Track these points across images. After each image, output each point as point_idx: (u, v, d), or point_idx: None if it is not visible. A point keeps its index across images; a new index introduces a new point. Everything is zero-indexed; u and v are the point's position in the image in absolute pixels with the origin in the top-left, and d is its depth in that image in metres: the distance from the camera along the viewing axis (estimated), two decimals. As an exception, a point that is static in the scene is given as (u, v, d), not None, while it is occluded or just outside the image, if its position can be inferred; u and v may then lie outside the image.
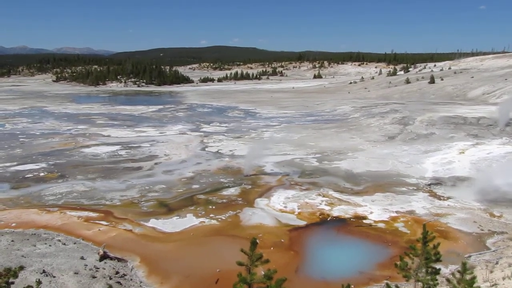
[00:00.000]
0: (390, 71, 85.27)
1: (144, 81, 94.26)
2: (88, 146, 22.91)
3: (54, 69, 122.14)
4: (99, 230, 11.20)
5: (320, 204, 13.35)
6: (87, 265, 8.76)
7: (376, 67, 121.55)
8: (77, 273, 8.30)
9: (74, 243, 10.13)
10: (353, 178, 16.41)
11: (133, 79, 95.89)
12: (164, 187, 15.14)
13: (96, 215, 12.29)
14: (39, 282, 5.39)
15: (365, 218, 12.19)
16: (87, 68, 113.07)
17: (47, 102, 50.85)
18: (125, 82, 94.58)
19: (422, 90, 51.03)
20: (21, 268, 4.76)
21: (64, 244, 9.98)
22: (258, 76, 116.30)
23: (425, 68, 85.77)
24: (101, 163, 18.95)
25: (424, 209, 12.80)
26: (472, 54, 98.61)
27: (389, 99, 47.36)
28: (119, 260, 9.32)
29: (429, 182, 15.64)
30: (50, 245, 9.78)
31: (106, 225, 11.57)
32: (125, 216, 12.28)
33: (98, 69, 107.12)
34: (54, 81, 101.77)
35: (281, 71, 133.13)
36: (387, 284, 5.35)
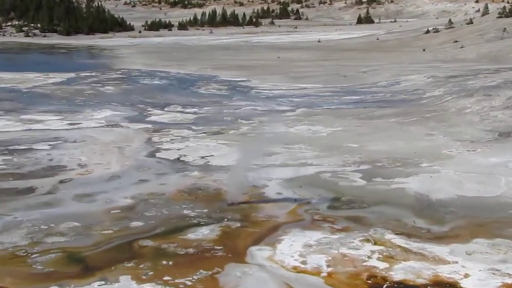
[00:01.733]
0: (504, 8, 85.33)
1: (39, 26, 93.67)
2: None
3: None
4: None
5: (369, 258, 13.38)
6: None
7: (476, 2, 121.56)
8: None
9: None
10: (431, 210, 16.52)
11: (17, 23, 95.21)
12: (77, 226, 15.17)
13: None
14: None
15: (454, 285, 12.21)
16: None
17: None
18: (0, 28, 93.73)
19: None
20: None
21: None
22: (254, 20, 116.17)
23: None
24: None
25: None
26: None
27: (502, 61, 47.44)
28: None
29: None
30: None
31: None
32: (0, 282, 12.18)
33: None
34: None
35: (297, 11, 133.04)
36: None
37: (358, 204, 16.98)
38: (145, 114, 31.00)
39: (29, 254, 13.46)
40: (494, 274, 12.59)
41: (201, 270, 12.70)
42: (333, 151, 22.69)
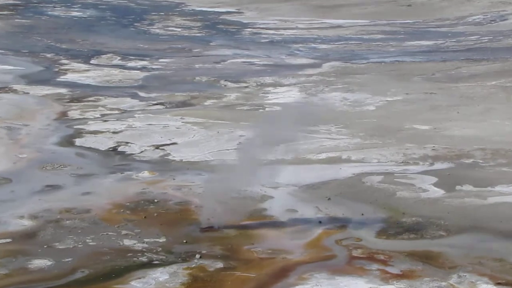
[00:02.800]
0: None
1: None
2: None
3: None
4: None
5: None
6: None
7: None
8: None
9: None
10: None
11: None
12: None
13: None
14: None
15: None
16: None
17: None
18: None
19: None
20: None
21: None
22: None
23: None
24: None
25: None
26: None
27: None
28: None
29: None
30: None
31: None
32: None
33: None
34: None
35: None
36: None
37: (431, 230, 14.03)
38: (56, 69, 26.00)
39: None
40: None
41: None
42: (387, 137, 19.08)
